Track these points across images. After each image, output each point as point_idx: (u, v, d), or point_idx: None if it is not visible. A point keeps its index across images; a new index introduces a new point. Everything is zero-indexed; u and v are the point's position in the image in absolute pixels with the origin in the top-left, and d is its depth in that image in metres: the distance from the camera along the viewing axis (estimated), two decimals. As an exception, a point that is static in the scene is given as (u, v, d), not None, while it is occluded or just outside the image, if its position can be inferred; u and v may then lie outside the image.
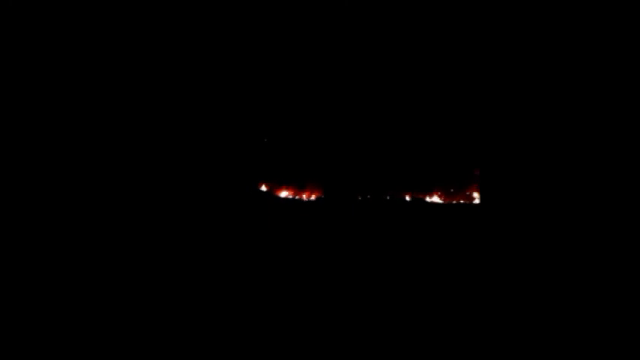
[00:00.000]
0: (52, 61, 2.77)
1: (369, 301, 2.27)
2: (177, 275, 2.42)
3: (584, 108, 2.58)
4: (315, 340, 2.02)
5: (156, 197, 2.78)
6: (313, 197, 3.00)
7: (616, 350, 1.95)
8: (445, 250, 2.61)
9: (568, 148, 2.59)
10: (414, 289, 2.36)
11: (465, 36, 2.79)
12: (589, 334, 2.02)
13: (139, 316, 2.14)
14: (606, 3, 2.52)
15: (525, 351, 1.96)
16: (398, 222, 2.79)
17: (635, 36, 2.50)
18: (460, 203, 2.89)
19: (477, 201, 2.86)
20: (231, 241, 2.66)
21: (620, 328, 2.04)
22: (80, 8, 2.77)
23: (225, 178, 2.90)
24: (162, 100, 2.85)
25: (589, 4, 2.55)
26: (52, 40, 2.76)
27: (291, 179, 3.03)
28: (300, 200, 3.00)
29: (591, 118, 2.57)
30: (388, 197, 2.95)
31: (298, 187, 3.02)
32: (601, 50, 2.56)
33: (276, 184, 3.02)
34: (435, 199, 2.93)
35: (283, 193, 3.02)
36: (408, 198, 2.94)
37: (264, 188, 3.02)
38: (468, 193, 2.89)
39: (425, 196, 2.94)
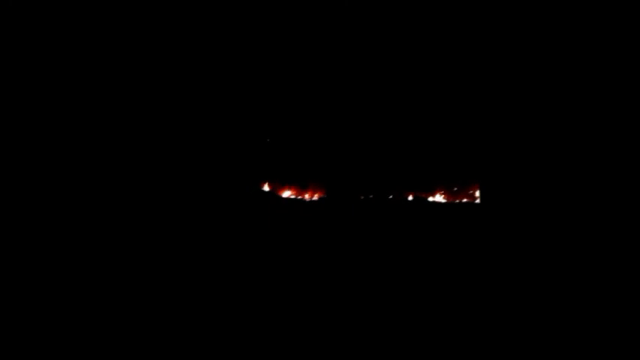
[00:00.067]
0: (53, 61, 2.76)
1: (372, 301, 2.27)
2: (180, 275, 2.42)
3: (584, 107, 2.58)
4: (318, 339, 2.02)
5: (159, 197, 2.78)
6: (316, 197, 3.00)
7: (616, 350, 1.95)
8: (448, 249, 2.60)
9: (569, 148, 2.59)
10: (418, 289, 2.36)
11: (466, 35, 2.79)
12: (592, 334, 2.02)
13: (143, 315, 2.14)
14: (606, 3, 2.53)
15: (530, 350, 1.96)
16: (400, 222, 2.79)
17: (635, 36, 2.50)
18: (463, 202, 2.89)
19: (479, 200, 2.86)
20: (234, 241, 2.65)
21: (621, 327, 2.05)
22: (80, 8, 2.76)
23: (228, 178, 2.90)
24: (165, 101, 2.85)
25: (589, 4, 2.55)
26: (52, 40, 2.75)
27: (294, 179, 3.03)
28: (303, 200, 3.00)
29: (591, 117, 2.57)
30: (391, 197, 2.95)
31: (301, 187, 3.02)
32: (601, 50, 2.55)
33: (278, 184, 3.03)
34: (438, 198, 2.93)
35: (286, 193, 3.02)
36: (410, 197, 2.94)
37: (266, 188, 3.02)
38: (471, 192, 2.89)
39: (427, 196, 2.93)
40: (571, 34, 2.59)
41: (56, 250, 2.52)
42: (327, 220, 2.83)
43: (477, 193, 2.87)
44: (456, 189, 2.91)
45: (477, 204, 2.86)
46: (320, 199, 2.99)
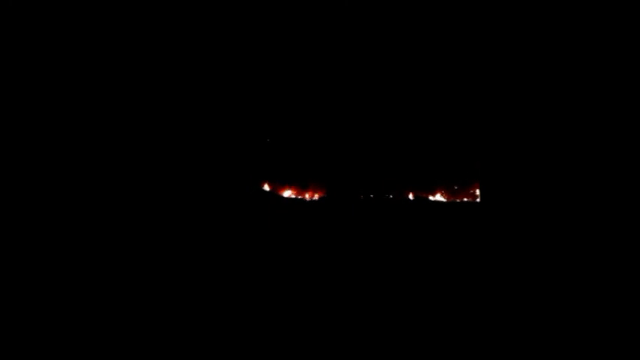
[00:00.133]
0: (53, 61, 2.76)
1: (373, 301, 2.26)
2: (180, 275, 2.41)
3: (584, 106, 2.59)
4: (318, 339, 2.02)
5: (159, 197, 2.77)
6: (316, 197, 3.00)
7: (616, 350, 1.95)
8: (449, 248, 2.60)
9: (570, 147, 2.59)
10: (418, 289, 2.36)
11: (465, 35, 2.79)
12: (592, 333, 2.02)
13: (143, 315, 2.13)
14: (606, 3, 2.53)
15: (530, 350, 1.96)
16: (401, 221, 2.79)
17: (635, 36, 2.51)
18: (464, 201, 2.89)
19: (479, 199, 2.86)
20: (234, 241, 2.65)
21: (621, 326, 2.05)
22: (80, 8, 2.76)
23: (228, 178, 2.90)
24: (165, 101, 2.85)
25: (589, 4, 2.56)
26: (52, 41, 2.75)
27: (294, 179, 3.02)
28: (303, 200, 2.99)
29: (591, 116, 2.57)
30: (391, 196, 2.95)
31: (301, 186, 3.02)
32: (600, 47, 2.56)
33: (279, 184, 3.02)
34: (439, 197, 2.93)
35: (286, 193, 3.02)
36: (411, 197, 2.94)
37: (267, 188, 3.01)
38: (471, 191, 2.89)
39: (428, 195, 2.93)
40: (570, 34, 2.60)
41: (56, 250, 2.51)
42: (327, 220, 2.82)
43: (478, 192, 2.87)
44: (456, 188, 2.91)
45: (478, 203, 2.86)
46: (320, 198, 2.99)
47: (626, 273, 2.32)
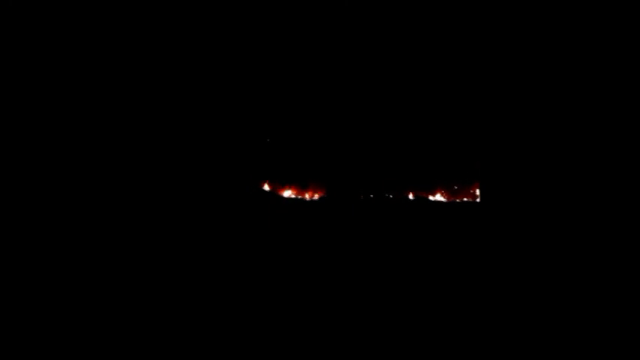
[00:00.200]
0: (53, 61, 2.76)
1: (372, 301, 2.26)
2: (180, 275, 2.41)
3: (584, 106, 2.58)
4: (317, 339, 2.02)
5: (160, 197, 2.77)
6: (316, 197, 3.00)
7: (616, 349, 1.95)
8: (449, 248, 2.60)
9: (569, 147, 2.59)
10: (418, 289, 2.36)
11: (465, 34, 2.79)
12: (592, 332, 2.02)
13: (142, 316, 2.13)
14: (606, 3, 2.53)
15: (530, 350, 1.96)
16: (401, 221, 2.79)
17: (635, 36, 2.51)
18: (464, 201, 2.89)
19: (479, 199, 2.86)
20: (234, 241, 2.65)
21: (620, 326, 2.05)
22: (80, 8, 2.76)
23: (228, 178, 2.90)
24: (166, 101, 2.85)
25: (589, 4, 2.56)
26: (52, 41, 2.75)
27: (294, 179, 3.02)
28: (303, 200, 2.99)
29: (591, 116, 2.57)
30: (391, 196, 2.95)
31: (301, 186, 3.02)
32: (600, 48, 2.56)
33: (279, 184, 3.02)
34: (439, 197, 2.93)
35: (286, 193, 3.02)
36: (411, 197, 2.94)
37: (267, 188, 3.01)
38: (471, 191, 2.89)
39: (428, 195, 2.93)
40: (569, 34, 2.60)
41: (56, 250, 2.51)
42: (327, 220, 2.82)
43: (478, 192, 2.87)
44: (456, 188, 2.91)
45: (478, 203, 2.86)
46: (320, 198, 2.99)
47: (625, 272, 2.32)
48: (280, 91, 2.97)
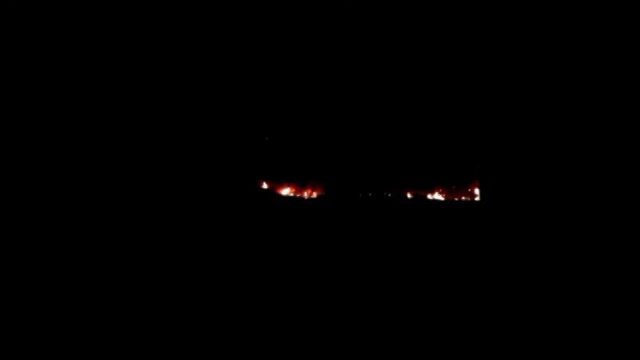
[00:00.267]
0: (52, 61, 2.77)
1: (370, 300, 2.26)
2: (177, 274, 2.42)
3: (583, 104, 2.57)
4: (315, 339, 2.02)
5: (157, 196, 2.78)
6: (314, 195, 3.00)
7: (616, 349, 1.93)
8: (448, 247, 2.60)
9: (569, 145, 2.58)
10: (416, 287, 2.36)
11: (464, 32, 2.78)
12: (591, 332, 2.01)
13: (138, 315, 2.14)
14: (606, 3, 2.51)
15: (529, 349, 1.95)
16: (399, 220, 2.78)
17: (635, 36, 2.48)
18: (462, 200, 2.88)
19: (478, 197, 2.84)
20: (232, 240, 2.65)
21: (620, 325, 2.03)
22: (80, 8, 2.77)
23: (226, 177, 2.90)
24: (164, 99, 2.85)
25: (589, 4, 2.54)
26: (52, 40, 2.76)
27: (293, 177, 3.02)
28: (302, 198, 2.99)
29: (590, 115, 2.56)
30: (389, 195, 2.94)
31: (299, 184, 3.01)
32: (599, 48, 2.54)
33: (277, 182, 3.02)
34: (437, 196, 2.92)
35: (284, 191, 3.02)
36: (409, 195, 2.93)
37: (265, 186, 3.01)
38: (470, 190, 2.88)
39: (426, 194, 2.92)
40: (569, 34, 2.58)
41: (54, 250, 2.53)
42: (326, 218, 2.82)
43: (477, 191, 2.86)
44: (455, 187, 2.89)
45: (477, 202, 2.85)
46: (319, 196, 2.99)
47: (624, 271, 2.30)
48: (279, 89, 2.97)
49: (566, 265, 2.40)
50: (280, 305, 2.22)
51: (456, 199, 2.89)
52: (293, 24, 2.89)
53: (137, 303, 2.21)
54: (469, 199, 2.87)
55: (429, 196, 2.92)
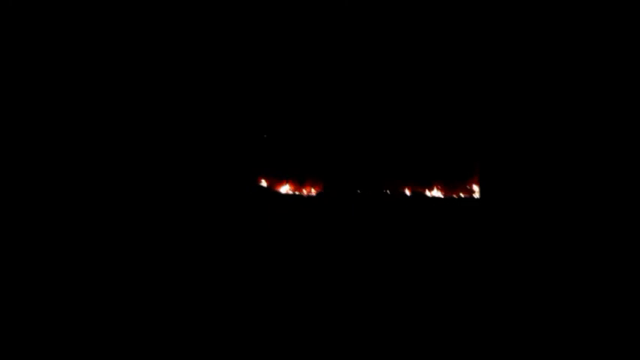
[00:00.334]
0: (52, 61, 2.79)
1: (370, 297, 2.26)
2: (176, 272, 2.44)
3: (583, 103, 2.55)
4: (315, 338, 2.02)
5: (155, 193, 2.79)
6: (313, 192, 3.00)
7: (615, 349, 1.92)
8: (447, 244, 2.59)
9: (568, 143, 2.56)
10: (415, 285, 2.35)
11: (463, 31, 2.77)
12: (591, 331, 2.00)
13: (137, 314, 2.16)
14: (606, 3, 2.48)
15: (529, 348, 1.94)
16: (398, 216, 2.78)
17: (635, 36, 2.46)
18: (461, 197, 2.87)
19: (477, 195, 2.83)
20: (231, 237, 2.67)
21: (619, 323, 2.02)
22: (80, 8, 2.79)
23: (225, 174, 2.91)
24: (162, 97, 2.86)
25: (588, 4, 2.51)
26: (52, 41, 2.78)
27: (291, 174, 3.02)
28: (301, 195, 3.00)
29: (590, 113, 2.54)
30: (388, 192, 2.93)
31: (298, 182, 3.02)
32: (599, 47, 2.53)
33: (276, 180, 3.03)
34: (436, 193, 2.90)
35: (283, 189, 3.02)
36: (408, 192, 2.92)
37: (264, 183, 3.02)
38: (468, 187, 2.87)
39: (425, 190, 2.91)
40: (569, 34, 2.56)
41: (54, 249, 2.55)
42: (325, 216, 2.82)
43: (476, 188, 2.84)
44: (453, 184, 2.88)
45: (476, 199, 2.84)
46: (318, 194, 2.99)
47: (624, 269, 2.29)
48: (277, 87, 2.97)
49: (565, 262, 2.39)
50: (279, 303, 2.23)
51: (455, 196, 2.87)
52: (291, 22, 2.89)
53: (134, 298, 2.23)
54: (468, 196, 2.86)
55: (428, 193, 2.91)
